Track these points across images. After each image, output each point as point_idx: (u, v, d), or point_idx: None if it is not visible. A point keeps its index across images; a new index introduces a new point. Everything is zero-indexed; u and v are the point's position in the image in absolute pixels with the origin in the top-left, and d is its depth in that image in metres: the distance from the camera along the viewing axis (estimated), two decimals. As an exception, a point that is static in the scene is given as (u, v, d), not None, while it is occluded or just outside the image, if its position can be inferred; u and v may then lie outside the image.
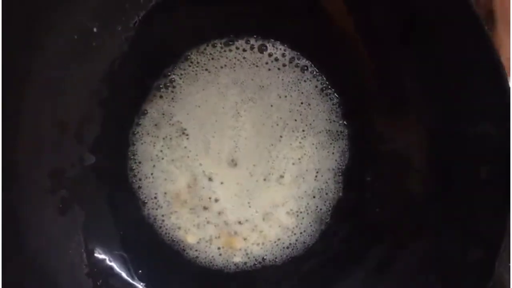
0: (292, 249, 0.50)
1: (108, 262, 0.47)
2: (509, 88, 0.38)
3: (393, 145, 0.48)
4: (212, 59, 0.50)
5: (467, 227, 0.42)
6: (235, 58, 0.50)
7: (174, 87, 0.50)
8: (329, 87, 0.50)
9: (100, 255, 0.46)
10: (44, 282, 0.43)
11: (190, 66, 0.50)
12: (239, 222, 0.50)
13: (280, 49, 0.50)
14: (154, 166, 0.49)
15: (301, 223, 0.50)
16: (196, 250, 0.49)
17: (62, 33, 0.43)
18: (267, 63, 0.50)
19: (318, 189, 0.50)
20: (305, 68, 0.50)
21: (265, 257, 0.50)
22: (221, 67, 0.50)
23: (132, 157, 0.49)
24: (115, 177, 0.49)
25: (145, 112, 0.49)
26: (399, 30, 0.44)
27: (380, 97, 0.48)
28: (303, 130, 0.50)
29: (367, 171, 0.50)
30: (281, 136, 0.50)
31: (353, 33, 0.47)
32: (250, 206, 0.50)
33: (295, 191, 0.50)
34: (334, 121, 0.51)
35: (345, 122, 0.50)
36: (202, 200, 0.49)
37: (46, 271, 0.43)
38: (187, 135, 0.49)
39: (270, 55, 0.50)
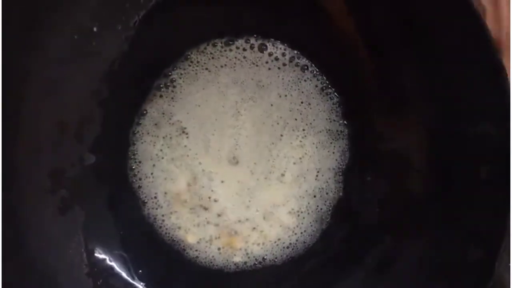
0: (293, 249, 0.50)
1: (108, 262, 0.47)
2: (509, 88, 0.38)
3: (393, 145, 0.48)
4: (212, 58, 0.50)
5: (467, 227, 0.42)
6: (235, 57, 0.50)
7: (174, 86, 0.50)
8: (329, 86, 0.50)
9: (100, 255, 0.47)
10: (44, 282, 0.43)
11: (190, 65, 0.50)
12: (239, 221, 0.50)
13: (280, 48, 0.50)
14: (154, 165, 0.49)
15: (302, 223, 0.50)
16: (196, 250, 0.49)
17: (62, 33, 0.43)
18: (267, 62, 0.50)
19: (319, 188, 0.50)
20: (305, 67, 0.50)
21: (265, 257, 0.50)
22: (221, 67, 0.50)
23: (132, 156, 0.49)
24: (115, 177, 0.49)
25: (145, 111, 0.49)
26: (399, 30, 0.44)
27: (380, 97, 0.48)
28: (304, 129, 0.50)
29: (367, 171, 0.49)
30: (281, 135, 0.50)
31: (353, 33, 0.47)
32: (250, 206, 0.50)
33: (296, 191, 0.50)
34: (334, 120, 0.50)
35: (345, 122, 0.50)
36: (202, 200, 0.49)
37: (46, 271, 0.43)
38: (187, 133, 0.49)
39: (270, 54, 0.50)
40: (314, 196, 0.50)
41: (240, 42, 0.50)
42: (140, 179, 0.49)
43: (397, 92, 0.47)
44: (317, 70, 0.50)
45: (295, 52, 0.50)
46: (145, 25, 0.46)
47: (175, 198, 0.49)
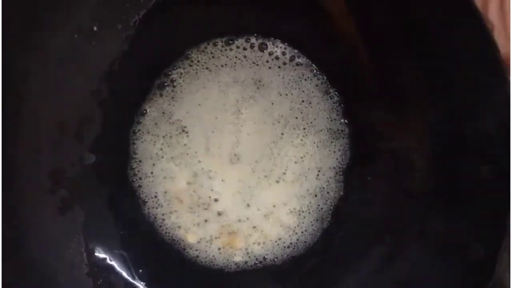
0: (293, 249, 0.50)
1: (108, 261, 0.47)
2: (509, 88, 0.38)
3: (393, 145, 0.48)
4: (213, 57, 0.50)
5: (467, 227, 0.42)
6: (235, 56, 0.50)
7: (174, 86, 0.50)
8: (330, 86, 0.50)
9: (100, 254, 0.47)
10: (44, 282, 0.43)
11: (190, 65, 0.50)
12: (240, 221, 0.50)
13: (281, 47, 0.50)
14: (154, 164, 0.49)
15: (303, 222, 0.50)
16: (197, 250, 0.49)
17: (62, 33, 0.43)
18: (267, 61, 0.50)
19: (320, 188, 0.50)
20: (306, 66, 0.50)
21: (266, 257, 0.50)
22: (222, 66, 0.50)
23: (132, 156, 0.49)
24: (115, 177, 0.49)
25: (145, 111, 0.49)
26: (399, 30, 0.44)
27: (380, 97, 0.48)
28: (304, 128, 0.50)
29: (367, 170, 0.49)
30: (282, 134, 0.50)
31: (353, 33, 0.47)
32: (251, 205, 0.50)
33: (297, 190, 0.50)
34: (335, 119, 0.50)
35: (345, 121, 0.50)
36: (203, 199, 0.49)
37: (46, 271, 0.43)
38: (187, 132, 0.49)
39: (270, 53, 0.50)
40: (315, 195, 0.50)
41: (241, 41, 0.50)
42: (140, 178, 0.49)
43: (397, 92, 0.47)
44: (317, 69, 0.50)
45: (295, 51, 0.50)
46: (145, 25, 0.46)
47: (175, 197, 0.49)
